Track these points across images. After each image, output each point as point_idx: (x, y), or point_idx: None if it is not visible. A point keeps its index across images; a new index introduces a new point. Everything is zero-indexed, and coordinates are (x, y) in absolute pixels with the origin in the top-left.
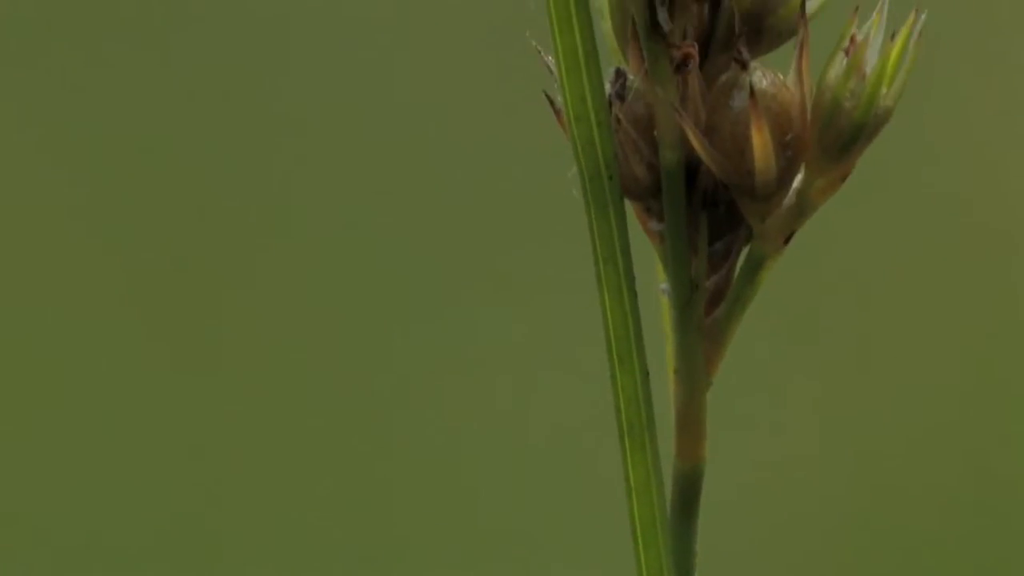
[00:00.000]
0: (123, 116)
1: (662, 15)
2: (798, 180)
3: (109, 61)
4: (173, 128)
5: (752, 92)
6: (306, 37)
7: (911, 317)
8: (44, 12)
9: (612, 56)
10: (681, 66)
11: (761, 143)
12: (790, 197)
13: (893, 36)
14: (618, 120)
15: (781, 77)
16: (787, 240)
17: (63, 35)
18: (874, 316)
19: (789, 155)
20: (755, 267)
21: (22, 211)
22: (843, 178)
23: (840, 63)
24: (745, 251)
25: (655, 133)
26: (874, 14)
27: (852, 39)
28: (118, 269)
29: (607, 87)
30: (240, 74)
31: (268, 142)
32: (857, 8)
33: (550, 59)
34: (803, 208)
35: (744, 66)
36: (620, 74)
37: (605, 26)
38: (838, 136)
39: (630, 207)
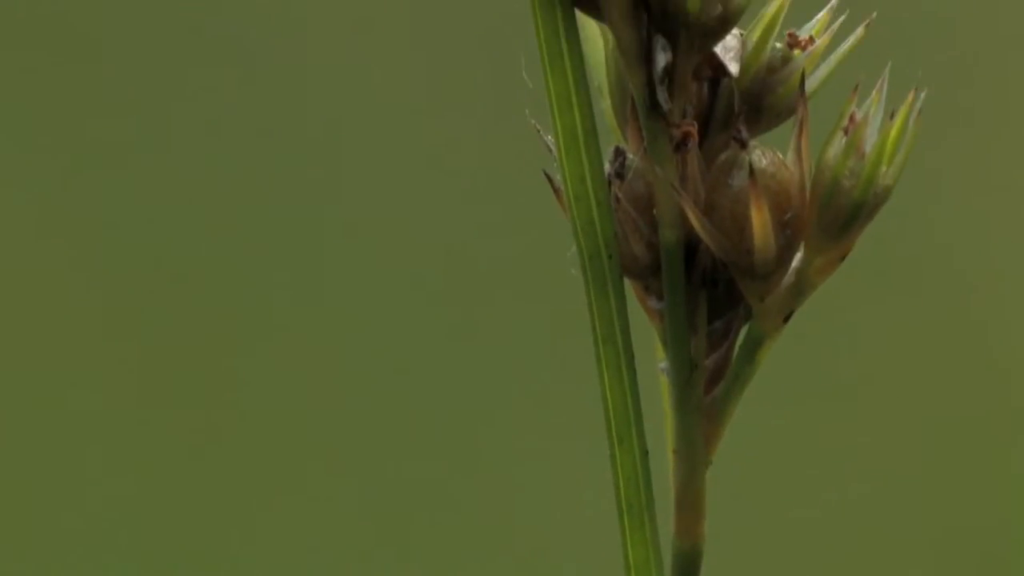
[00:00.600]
0: (125, 197)
1: (661, 94)
2: (797, 259)
3: (112, 142)
4: (173, 209)
5: (751, 171)
6: (305, 126)
7: (912, 395)
8: (47, 91)
9: (611, 135)
10: (681, 145)
11: (760, 222)
12: (789, 276)
13: (892, 115)
14: (617, 199)
15: (780, 156)
16: (786, 319)
17: (65, 115)
18: (875, 394)
19: (788, 234)
20: (754, 346)
21: (26, 293)
22: (842, 257)
23: (839, 142)
24: (744, 330)
25: (654, 212)
26: (873, 92)
27: (851, 118)
28: (121, 346)
29: (606, 166)
30: (239, 162)
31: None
32: (856, 86)
33: (549, 138)
34: (802, 287)
35: (743, 145)
36: (619, 153)
37: (604, 104)
38: (837, 215)
39: (629, 286)
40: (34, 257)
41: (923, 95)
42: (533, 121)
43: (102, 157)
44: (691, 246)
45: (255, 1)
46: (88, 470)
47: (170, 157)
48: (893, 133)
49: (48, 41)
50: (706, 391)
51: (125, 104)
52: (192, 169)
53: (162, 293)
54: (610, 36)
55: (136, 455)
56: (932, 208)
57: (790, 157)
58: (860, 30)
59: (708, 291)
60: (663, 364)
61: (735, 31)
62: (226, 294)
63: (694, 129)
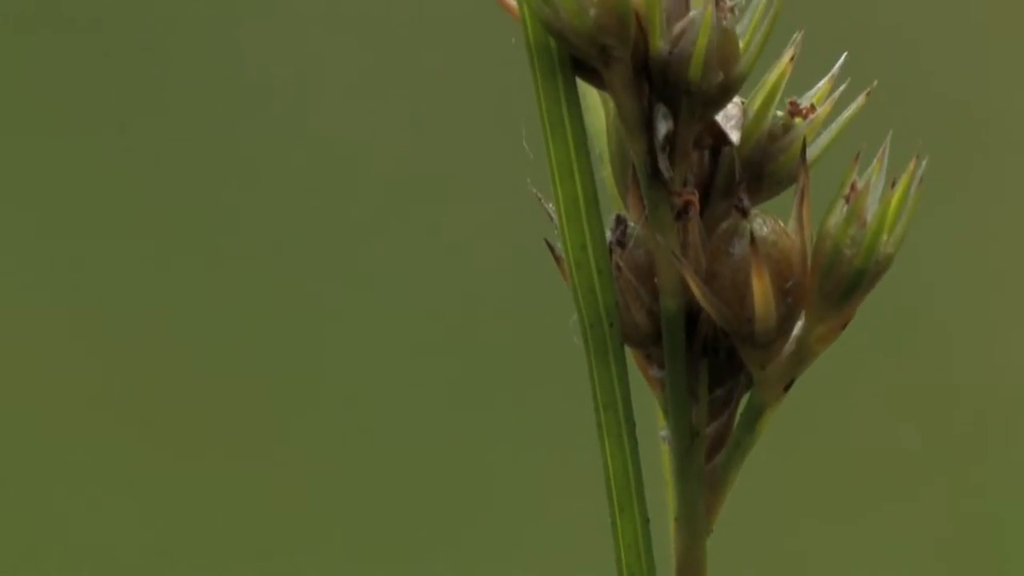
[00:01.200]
0: (129, 268)
1: (663, 162)
2: (798, 327)
3: (117, 221)
4: (180, 290)
5: (753, 239)
6: (308, 197)
7: (912, 465)
8: (51, 163)
9: (613, 203)
10: (682, 213)
11: (761, 291)
12: (790, 344)
13: (894, 183)
14: (619, 267)
15: (782, 224)
16: (787, 387)
17: (73, 189)
18: (875, 463)
19: (789, 302)
20: (755, 414)
21: (37, 376)
22: (843, 325)
23: (841, 210)
24: (745, 398)
25: (656, 280)
26: (875, 161)
27: (853, 186)
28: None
29: (608, 234)
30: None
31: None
32: (858, 155)
33: (551, 206)
34: (803, 355)
35: (745, 213)
36: (621, 221)
37: (605, 173)
38: (838, 283)
39: (630, 354)
40: (37, 330)
41: (924, 163)
42: (534, 189)
43: (108, 225)
44: (692, 314)
45: (255, 73)
46: (89, 538)
47: (175, 225)
48: (894, 201)
49: (48, 118)
50: (707, 459)
51: (130, 174)
52: (195, 238)
53: (164, 364)
54: (611, 104)
55: (139, 525)
56: (932, 276)
57: (791, 225)
58: (861, 98)
59: (709, 359)
60: (664, 432)
61: (736, 99)
62: (232, 367)
63: (695, 197)
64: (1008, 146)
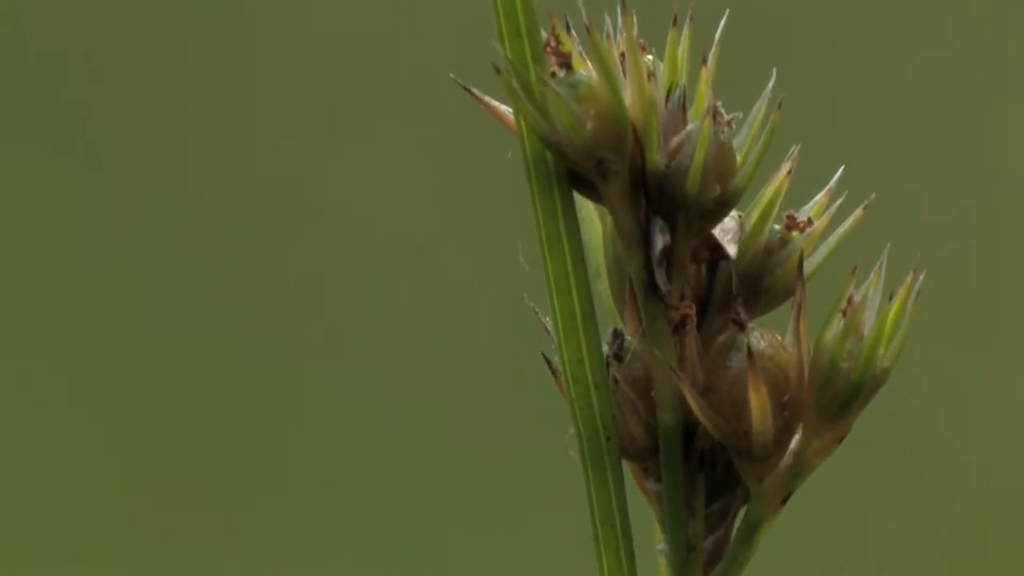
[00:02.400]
0: (130, 358)
1: (660, 276)
2: (795, 441)
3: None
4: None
5: (750, 353)
6: (307, 317)
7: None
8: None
9: (610, 317)
10: (679, 327)
11: (758, 404)
12: (787, 458)
13: (891, 297)
14: (616, 381)
15: (779, 338)
16: (784, 501)
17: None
18: None
19: (786, 416)
20: (752, 528)
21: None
22: (840, 439)
23: (838, 324)
24: (743, 512)
25: (653, 394)
26: (872, 274)
27: (850, 300)
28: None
29: (605, 348)
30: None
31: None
32: (855, 268)
33: (547, 320)
34: (800, 469)
35: (742, 327)
36: (618, 335)
37: (602, 286)
38: (835, 397)
39: (628, 467)
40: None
41: (922, 277)
42: (531, 303)
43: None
44: (689, 428)
45: (260, 179)
46: None
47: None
48: (891, 315)
49: (47, 211)
50: (704, 573)
51: (125, 260)
52: (194, 332)
53: (169, 449)
54: (608, 218)
55: None
56: (929, 386)
57: (788, 339)
58: (858, 212)
59: (706, 473)
60: (661, 546)
61: (733, 213)
62: (232, 455)
63: (692, 311)
64: (1008, 261)
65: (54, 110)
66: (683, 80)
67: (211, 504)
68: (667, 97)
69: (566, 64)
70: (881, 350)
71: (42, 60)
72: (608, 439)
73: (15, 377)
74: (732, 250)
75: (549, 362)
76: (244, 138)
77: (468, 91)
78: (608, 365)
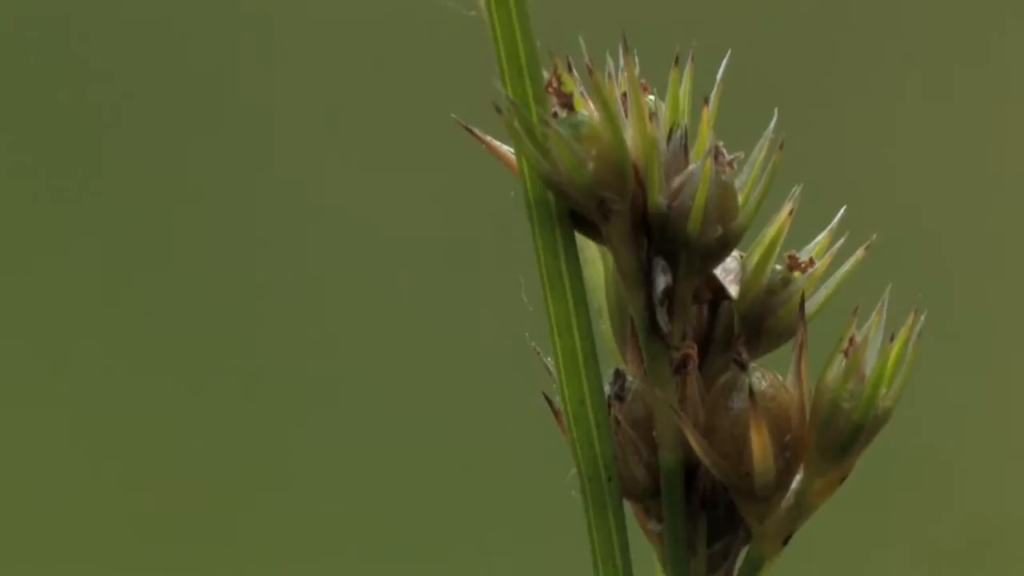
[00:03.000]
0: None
1: (661, 316)
2: (797, 481)
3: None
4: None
5: (751, 394)
6: (309, 358)
7: None
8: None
9: (611, 357)
10: (680, 367)
11: (760, 445)
12: (789, 498)
13: (893, 337)
14: (617, 421)
15: (780, 378)
16: (786, 541)
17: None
18: None
19: (788, 456)
20: (754, 568)
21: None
22: (842, 479)
23: (839, 364)
24: (744, 552)
25: (654, 434)
26: (873, 314)
27: (851, 340)
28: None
29: (606, 388)
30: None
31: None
32: (856, 309)
33: (549, 360)
34: (802, 509)
35: (743, 367)
36: (619, 375)
37: (604, 326)
38: (837, 437)
39: (629, 508)
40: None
41: (923, 317)
42: (533, 343)
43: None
44: (691, 468)
45: (257, 214)
46: None
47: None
48: (893, 356)
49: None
50: None
51: (120, 275)
52: (193, 349)
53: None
54: (610, 258)
55: None
56: (932, 426)
57: (790, 379)
58: (860, 252)
59: (708, 513)
60: None
61: (735, 253)
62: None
63: (694, 351)
64: (1010, 300)
65: (53, 111)
66: (685, 120)
67: (211, 506)
68: (669, 137)
69: (568, 104)
70: (883, 390)
71: (43, 62)
72: (610, 479)
73: (13, 374)
74: (734, 290)
75: (551, 402)
76: (247, 146)
77: (469, 131)
78: (610, 405)
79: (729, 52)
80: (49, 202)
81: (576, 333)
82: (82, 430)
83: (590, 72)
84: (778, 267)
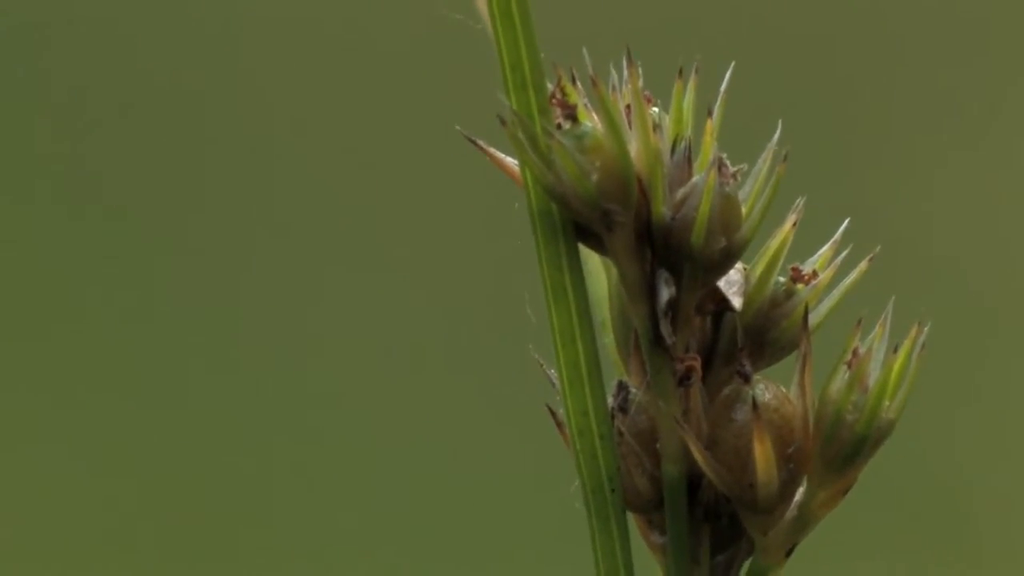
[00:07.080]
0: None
1: (665, 328)
2: (800, 493)
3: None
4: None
5: (755, 405)
6: (311, 367)
7: None
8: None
9: (615, 369)
10: (684, 379)
11: (763, 457)
12: (792, 510)
13: (896, 349)
14: (620, 433)
15: (784, 390)
16: (789, 553)
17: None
18: None
19: (791, 468)
20: None
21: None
22: (845, 491)
23: (843, 376)
24: (747, 564)
25: (657, 446)
26: (877, 326)
27: (855, 352)
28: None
29: (609, 400)
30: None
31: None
32: (860, 321)
33: (553, 372)
34: (805, 521)
35: (747, 379)
36: (623, 387)
37: (608, 338)
38: (840, 449)
39: (632, 519)
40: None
41: (927, 329)
42: (536, 355)
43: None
44: (694, 480)
45: (261, 265)
46: None
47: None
48: (896, 367)
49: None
50: None
51: (127, 318)
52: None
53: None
54: (613, 270)
55: None
56: (934, 440)
57: (793, 391)
58: (863, 264)
59: (711, 525)
60: None
61: (739, 265)
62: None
63: (697, 363)
64: (1014, 312)
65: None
66: (688, 132)
67: (209, 517)
68: (672, 149)
69: (571, 116)
70: (886, 402)
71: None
72: (613, 491)
73: (15, 382)
74: (737, 302)
75: (554, 414)
76: (247, 148)
77: (474, 143)
78: (613, 417)
79: (733, 64)
80: (38, 208)
81: (579, 345)
82: (82, 436)
83: (594, 84)
84: (781, 279)
